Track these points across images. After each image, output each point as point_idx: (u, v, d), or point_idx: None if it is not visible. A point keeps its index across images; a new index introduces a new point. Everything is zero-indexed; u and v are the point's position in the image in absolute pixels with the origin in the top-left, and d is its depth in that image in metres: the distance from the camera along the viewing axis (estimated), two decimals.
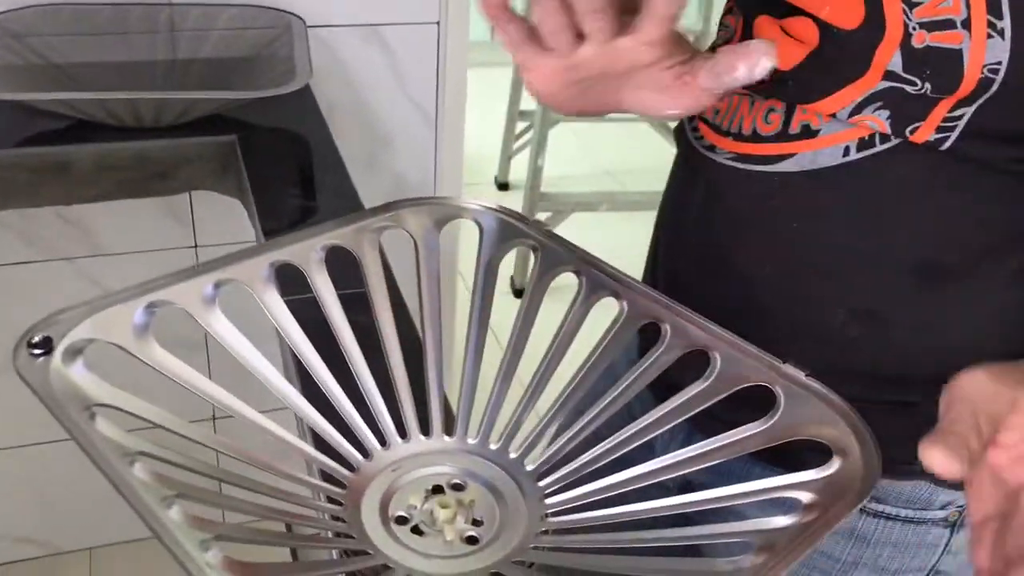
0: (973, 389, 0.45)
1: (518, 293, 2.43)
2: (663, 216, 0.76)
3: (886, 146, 0.58)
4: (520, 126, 2.83)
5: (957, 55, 0.53)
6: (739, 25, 0.65)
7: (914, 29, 0.54)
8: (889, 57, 0.56)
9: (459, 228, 0.60)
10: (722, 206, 0.67)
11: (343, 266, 0.60)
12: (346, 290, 0.59)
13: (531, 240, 0.62)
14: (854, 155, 0.59)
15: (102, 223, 1.32)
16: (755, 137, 0.63)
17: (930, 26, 0.54)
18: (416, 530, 0.50)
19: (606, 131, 3.12)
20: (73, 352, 0.49)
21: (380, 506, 0.51)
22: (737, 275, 0.66)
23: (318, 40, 1.27)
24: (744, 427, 0.52)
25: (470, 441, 0.56)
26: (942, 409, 0.46)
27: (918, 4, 0.54)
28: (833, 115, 0.59)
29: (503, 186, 2.96)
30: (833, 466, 0.48)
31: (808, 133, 0.61)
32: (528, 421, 0.56)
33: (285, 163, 1.03)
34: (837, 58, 0.58)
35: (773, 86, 0.61)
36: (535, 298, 0.60)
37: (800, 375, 0.52)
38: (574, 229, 2.45)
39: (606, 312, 0.59)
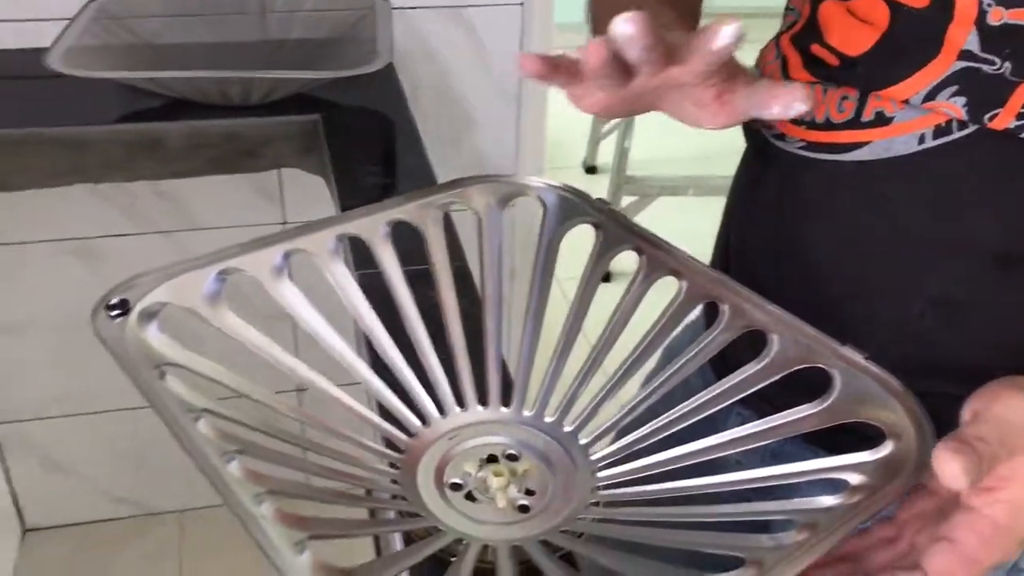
0: (1008, 413, 0.45)
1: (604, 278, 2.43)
2: (733, 204, 0.75)
3: (963, 133, 0.56)
4: None
5: None
6: (806, 8, 0.64)
7: (989, 5, 0.52)
8: (964, 36, 0.54)
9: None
10: (793, 196, 0.66)
11: (414, 243, 0.61)
12: (415, 266, 0.61)
13: (592, 218, 0.63)
14: (930, 143, 0.57)
15: (197, 199, 1.37)
16: (828, 125, 0.62)
17: (1008, 2, 0.52)
18: (469, 497, 0.51)
19: None
20: (148, 315, 0.52)
21: (435, 472, 0.52)
22: (810, 266, 0.65)
23: (404, 21, 1.29)
24: (799, 408, 0.52)
25: (526, 413, 0.57)
26: (969, 415, 0.45)
27: None
28: (907, 101, 0.57)
29: (590, 170, 2.95)
30: (886, 449, 0.47)
31: (882, 121, 0.59)
32: (584, 396, 0.57)
33: (366, 142, 1.05)
34: (908, 40, 0.56)
35: (843, 73, 0.60)
36: (595, 276, 0.60)
37: (859, 358, 0.52)
38: (660, 213, 2.44)
39: (668, 291, 0.60)
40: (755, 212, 0.72)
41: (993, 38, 0.53)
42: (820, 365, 0.52)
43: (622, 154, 2.43)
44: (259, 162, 1.11)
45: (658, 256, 0.60)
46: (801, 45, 0.63)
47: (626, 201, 2.44)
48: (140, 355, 0.49)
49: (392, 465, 0.53)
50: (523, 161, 1.46)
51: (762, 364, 0.54)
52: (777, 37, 0.68)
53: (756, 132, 0.70)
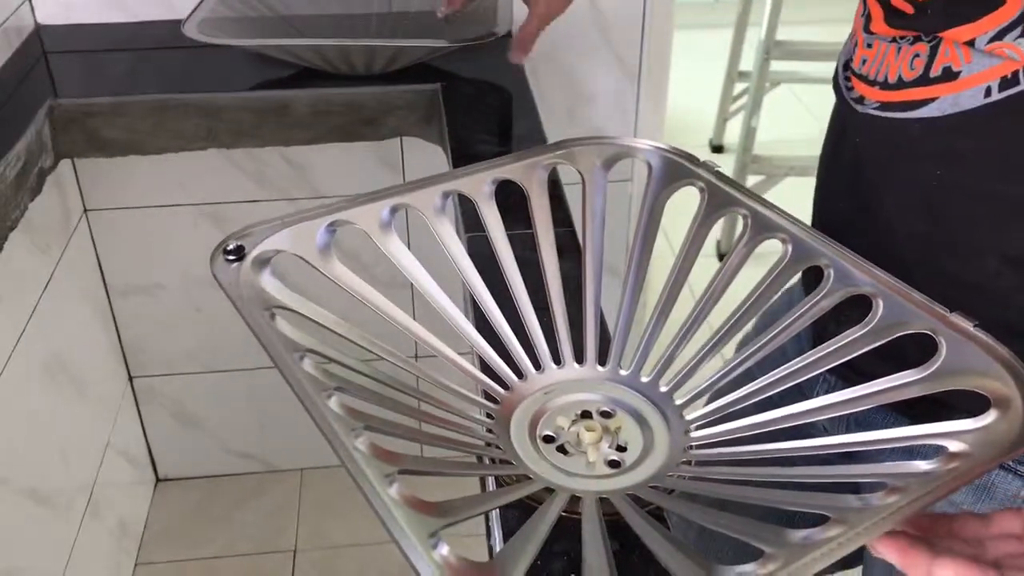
0: None
1: (722, 257, 2.41)
2: (820, 169, 0.75)
3: None
4: (739, 88, 2.76)
5: None
6: None
7: None
8: None
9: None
10: (868, 157, 0.66)
11: (522, 207, 0.62)
12: (521, 229, 0.62)
13: (699, 180, 0.62)
14: (996, 95, 0.57)
15: (322, 167, 1.42)
16: (899, 84, 0.62)
17: None
18: (561, 450, 0.52)
19: (826, 94, 2.98)
20: (262, 261, 0.54)
21: (529, 425, 0.54)
22: (885, 227, 0.65)
23: None
24: (902, 374, 0.50)
25: (622, 372, 0.57)
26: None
27: None
28: (972, 44, 0.57)
29: (717, 148, 2.90)
30: (989, 417, 0.46)
31: (949, 75, 0.59)
32: (680, 357, 0.57)
33: (483, 112, 1.07)
34: None
35: (917, 20, 0.60)
36: (698, 237, 0.60)
37: (968, 325, 0.50)
38: (787, 193, 2.38)
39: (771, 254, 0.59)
40: (835, 175, 0.72)
41: None
42: (926, 331, 0.51)
43: (748, 133, 2.38)
44: (380, 130, 1.14)
45: (763, 218, 0.59)
46: (884, 2, 0.63)
47: (752, 181, 2.39)
48: (253, 298, 0.52)
49: (488, 416, 0.54)
50: (641, 136, 1.45)
51: (866, 329, 0.53)
52: None
53: (841, 95, 0.70)
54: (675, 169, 0.63)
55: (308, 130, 1.11)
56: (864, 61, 0.66)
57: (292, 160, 1.40)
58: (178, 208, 1.42)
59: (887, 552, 0.41)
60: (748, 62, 2.48)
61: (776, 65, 2.35)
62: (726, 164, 2.66)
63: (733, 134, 2.79)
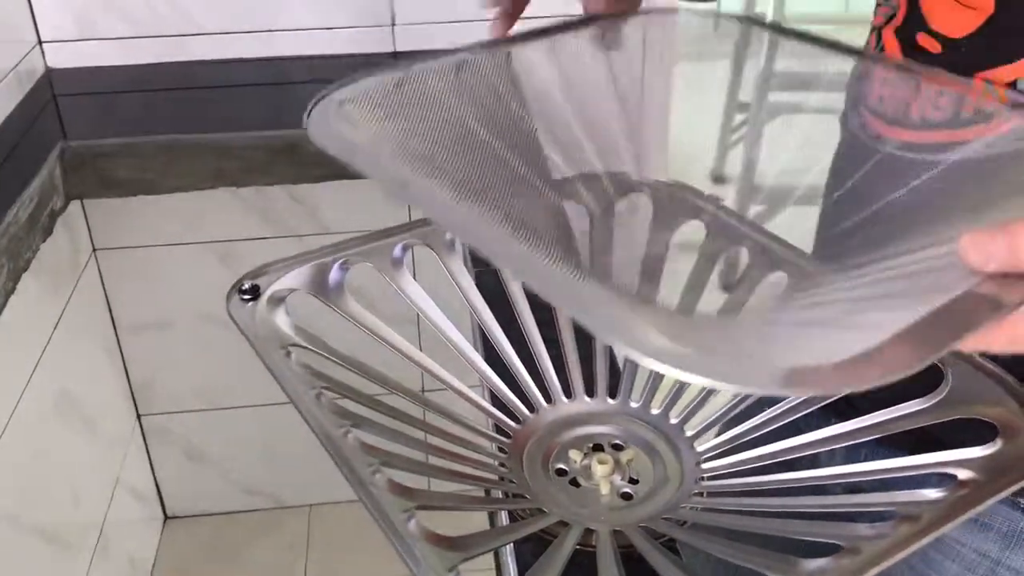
0: None
1: (717, 179, 2.45)
2: (826, 203, 0.74)
3: None
4: (739, 118, 2.78)
5: None
6: (903, 0, 0.63)
7: None
8: None
9: None
10: (891, 197, 0.65)
11: None
12: None
13: (703, 214, 0.63)
14: None
15: (329, 204, 1.43)
16: (924, 124, 0.60)
17: None
18: (574, 483, 0.53)
19: (826, 123, 3.00)
20: (276, 300, 0.55)
21: (542, 458, 0.54)
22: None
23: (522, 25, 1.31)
24: (909, 403, 0.51)
25: (632, 405, 0.58)
26: None
27: None
28: (1011, 85, 0.55)
29: (718, 179, 2.93)
30: (996, 445, 0.47)
31: (983, 117, 0.57)
32: (690, 389, 0.58)
33: None
34: (1016, 23, 0.54)
35: (945, 58, 0.59)
36: (704, 269, 0.61)
37: (973, 354, 0.51)
38: (789, 222, 2.39)
39: None
40: (844, 212, 0.70)
41: None
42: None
43: (749, 164, 2.39)
44: None
45: (765, 251, 0.60)
46: (905, 35, 0.62)
47: (754, 211, 2.40)
48: (269, 336, 0.52)
49: (501, 450, 0.55)
50: (643, 169, 1.47)
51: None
52: (877, 29, 0.66)
53: (852, 133, 0.68)
54: (680, 203, 0.64)
55: (316, 168, 1.13)
56: (881, 99, 0.64)
57: (300, 198, 1.42)
58: (186, 247, 1.43)
59: None
60: (748, 93, 2.51)
61: (775, 96, 2.38)
62: (728, 194, 2.68)
63: (734, 164, 2.81)
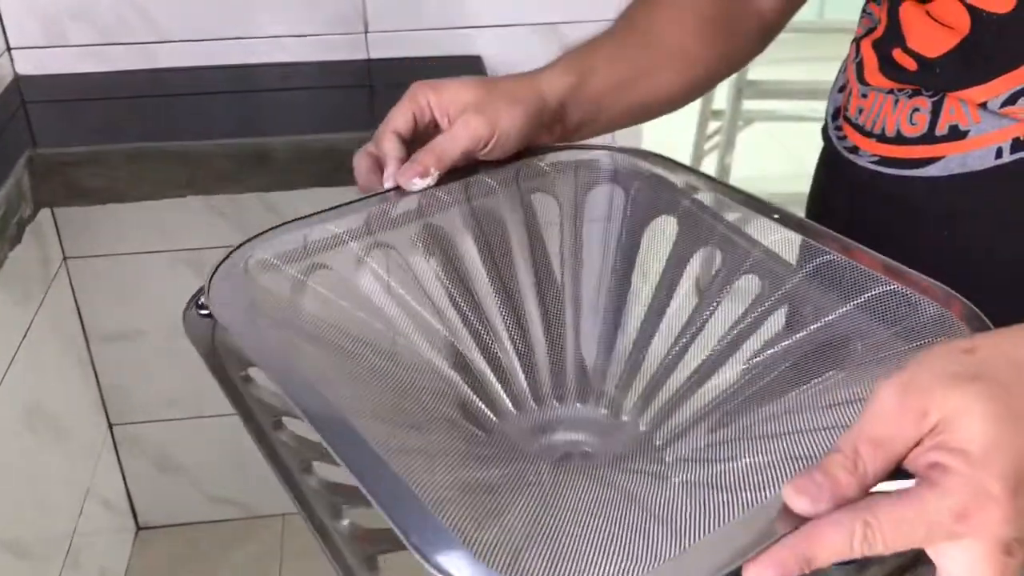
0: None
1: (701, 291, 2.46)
2: (807, 215, 0.74)
3: None
4: (713, 126, 2.80)
5: None
6: (884, 13, 0.63)
7: None
8: None
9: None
10: (865, 211, 0.65)
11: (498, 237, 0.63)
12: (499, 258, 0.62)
13: (678, 208, 0.63)
14: (1007, 157, 0.55)
15: (300, 212, 1.42)
16: (899, 139, 0.60)
17: None
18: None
19: (804, 131, 3.03)
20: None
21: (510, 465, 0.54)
22: None
23: (501, 38, 1.32)
24: None
25: (602, 411, 0.58)
26: None
27: None
28: (983, 105, 0.55)
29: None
30: None
31: (956, 135, 0.57)
32: (661, 396, 0.58)
33: None
34: (990, 44, 0.55)
35: (921, 76, 0.59)
36: (677, 269, 0.61)
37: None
38: (761, 229, 2.40)
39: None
40: (827, 225, 0.71)
41: None
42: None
43: (723, 171, 2.41)
44: None
45: (740, 251, 0.60)
46: (882, 50, 0.63)
47: (731, 217, 2.42)
48: (227, 355, 0.52)
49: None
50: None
51: (844, 372, 0.53)
52: (857, 40, 0.67)
53: (829, 143, 0.69)
54: (654, 196, 0.64)
55: (288, 176, 1.12)
56: (860, 111, 0.64)
57: (272, 206, 1.41)
58: (158, 255, 1.42)
59: None
60: (722, 101, 2.52)
61: (749, 104, 2.39)
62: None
63: (708, 171, 2.82)
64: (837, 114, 0.68)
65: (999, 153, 0.56)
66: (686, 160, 2.94)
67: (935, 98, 0.58)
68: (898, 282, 0.52)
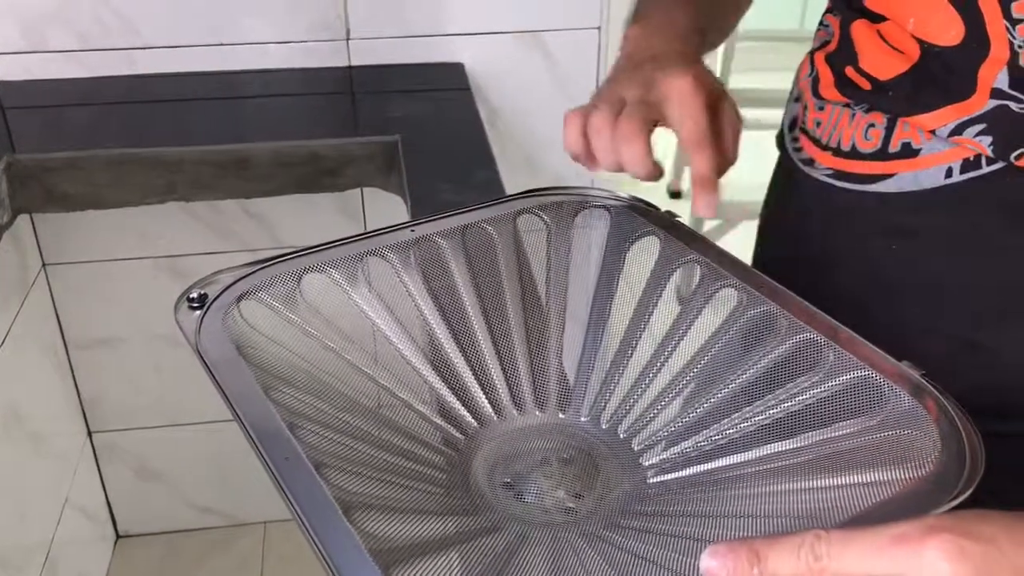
0: None
1: (673, 195, 2.83)
2: (762, 225, 0.75)
3: (992, 168, 0.55)
4: None
5: None
6: (837, 27, 0.63)
7: (1020, 47, 0.52)
8: (995, 75, 0.53)
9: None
10: (818, 224, 0.65)
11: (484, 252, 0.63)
12: (485, 276, 0.63)
13: (658, 230, 0.64)
14: (957, 176, 0.56)
15: (282, 218, 1.42)
16: (854, 153, 0.61)
17: None
18: (519, 496, 0.53)
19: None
20: (224, 308, 0.55)
21: (489, 470, 0.54)
22: (832, 296, 0.61)
23: (482, 46, 1.32)
24: (851, 422, 0.51)
25: (582, 419, 0.58)
26: None
27: (1020, 21, 0.51)
28: (933, 132, 0.56)
29: (675, 194, 2.95)
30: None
31: (909, 152, 0.58)
32: (639, 404, 0.58)
33: (441, 161, 1.08)
34: (940, 74, 0.55)
35: (874, 97, 0.59)
36: (657, 285, 0.61)
37: (915, 374, 0.51)
38: (743, 238, 2.42)
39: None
40: (781, 235, 0.71)
41: (1023, 78, 0.52)
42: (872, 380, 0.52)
43: None
44: (340, 181, 1.15)
45: (717, 269, 0.60)
46: (835, 65, 0.63)
47: (709, 225, 2.42)
48: (215, 346, 0.52)
49: (449, 462, 0.55)
50: (599, 183, 1.48)
51: (815, 378, 0.54)
52: (811, 52, 0.67)
53: (785, 154, 0.69)
54: (635, 219, 0.65)
55: (269, 182, 1.12)
56: (818, 124, 0.64)
57: (252, 211, 1.41)
58: (137, 261, 1.41)
59: None
60: None
61: None
62: (684, 209, 2.70)
63: (689, 180, 2.84)
64: (793, 125, 0.68)
65: (949, 172, 0.56)
66: (669, 167, 2.95)
67: (890, 114, 0.59)
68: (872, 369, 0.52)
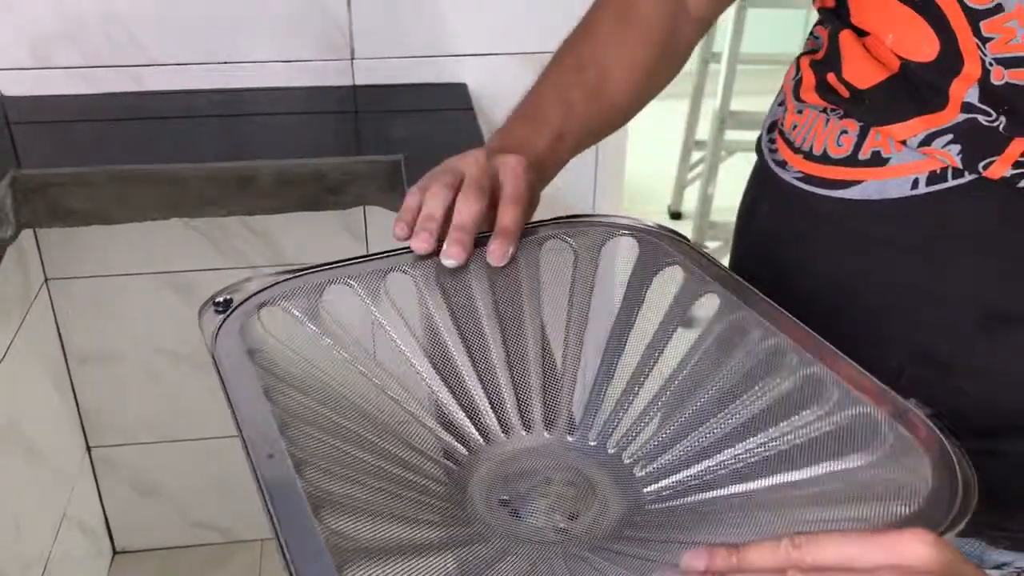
0: None
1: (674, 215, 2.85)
2: (737, 228, 0.75)
3: (958, 182, 0.56)
4: (696, 156, 2.82)
5: None
6: (826, 37, 0.64)
7: (991, 65, 0.53)
8: (966, 91, 0.55)
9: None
10: (785, 227, 0.66)
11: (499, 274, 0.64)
12: (505, 297, 0.64)
13: (684, 260, 0.63)
14: (923, 188, 0.57)
15: (285, 236, 1.43)
16: (825, 158, 0.62)
17: (1007, 62, 0.53)
18: (514, 513, 0.53)
19: None
20: (248, 314, 0.56)
21: (488, 487, 0.54)
22: (798, 302, 0.61)
23: (484, 66, 1.33)
24: (850, 457, 0.51)
25: (590, 443, 0.58)
26: None
27: (990, 39, 0.53)
28: (903, 142, 0.57)
29: (675, 215, 2.96)
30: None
31: (878, 161, 0.59)
32: (646, 431, 0.59)
33: None
34: (915, 86, 0.57)
35: (851, 104, 0.61)
36: (674, 318, 0.61)
37: (921, 414, 0.51)
38: None
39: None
40: (750, 237, 0.72)
41: (993, 94, 0.54)
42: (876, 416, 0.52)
43: (705, 200, 2.43)
44: (343, 199, 1.15)
45: (736, 299, 0.60)
46: (819, 71, 0.64)
47: (710, 246, 2.44)
48: (229, 348, 0.53)
49: (449, 476, 0.55)
50: (599, 203, 1.48)
51: (820, 412, 0.54)
52: (798, 57, 0.69)
53: (761, 156, 0.70)
54: (663, 249, 0.65)
55: (273, 199, 1.13)
56: (795, 127, 0.65)
57: (255, 228, 1.41)
58: (140, 277, 1.42)
59: None
60: (704, 131, 2.55)
61: (731, 134, 2.42)
62: (684, 230, 2.71)
63: (691, 201, 2.84)
64: (772, 127, 0.70)
65: (915, 184, 0.57)
66: (669, 189, 2.96)
67: (863, 122, 0.60)
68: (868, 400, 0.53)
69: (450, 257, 0.61)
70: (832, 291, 0.63)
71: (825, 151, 0.62)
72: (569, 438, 0.59)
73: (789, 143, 0.66)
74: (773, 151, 0.68)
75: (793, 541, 0.40)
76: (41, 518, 1.37)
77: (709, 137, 2.43)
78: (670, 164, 2.94)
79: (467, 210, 0.61)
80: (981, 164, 0.55)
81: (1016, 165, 0.54)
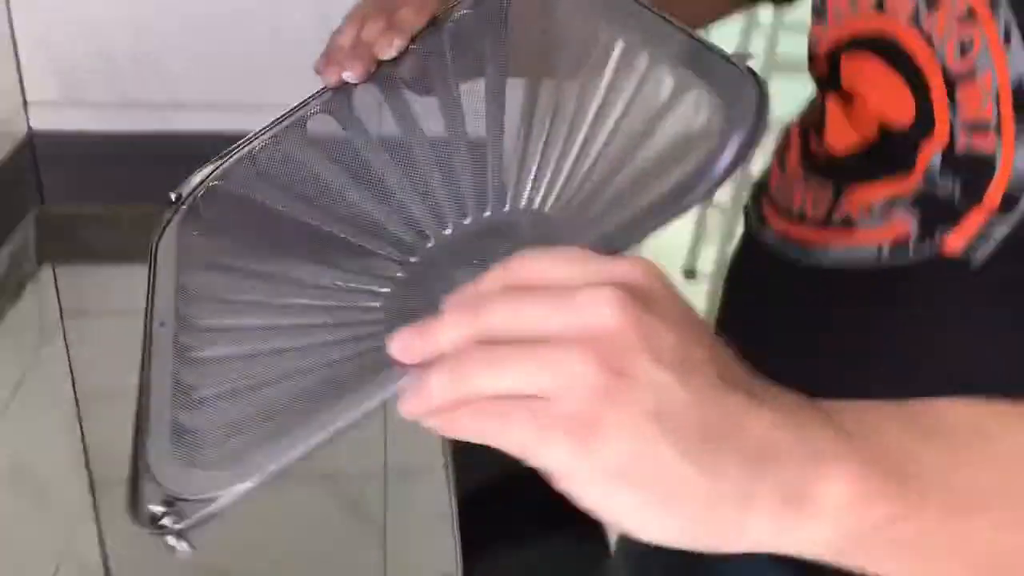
0: None
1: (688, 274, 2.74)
2: (724, 288, 0.75)
3: (919, 257, 0.55)
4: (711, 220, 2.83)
5: (990, 162, 0.50)
6: (820, 100, 0.65)
7: (958, 130, 0.52)
8: (930, 156, 0.54)
9: None
10: (764, 289, 0.66)
11: None
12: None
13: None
14: (886, 259, 0.56)
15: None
16: (801, 218, 0.62)
17: (971, 128, 0.52)
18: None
19: None
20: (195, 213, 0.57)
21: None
22: (773, 364, 0.58)
23: None
24: None
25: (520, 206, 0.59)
26: None
27: (961, 104, 0.52)
28: (869, 208, 0.57)
29: (689, 273, 2.95)
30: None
31: (847, 224, 0.58)
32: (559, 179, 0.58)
33: None
34: (888, 151, 0.57)
35: (827, 168, 0.61)
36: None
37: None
38: None
39: None
40: (736, 300, 0.72)
41: (953, 162, 0.53)
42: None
43: (723, 259, 2.42)
44: None
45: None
46: (805, 135, 0.65)
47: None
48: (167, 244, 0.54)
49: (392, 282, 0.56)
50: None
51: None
52: (788, 125, 0.69)
53: (747, 218, 0.70)
54: None
55: None
56: (779, 187, 0.66)
57: None
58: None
59: None
60: (721, 191, 2.55)
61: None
62: (700, 290, 2.70)
63: (706, 261, 2.84)
64: (762, 187, 0.70)
65: (879, 253, 0.57)
66: (684, 249, 2.96)
67: (837, 184, 0.60)
68: None
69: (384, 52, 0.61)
70: (798, 360, 0.62)
71: (802, 210, 0.62)
72: (505, 209, 0.58)
73: (773, 202, 0.66)
74: (757, 207, 0.68)
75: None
76: (41, 558, 1.34)
77: (729, 200, 2.44)
78: (685, 222, 2.95)
79: (408, 14, 0.62)
80: (937, 232, 0.54)
81: (972, 242, 0.52)
